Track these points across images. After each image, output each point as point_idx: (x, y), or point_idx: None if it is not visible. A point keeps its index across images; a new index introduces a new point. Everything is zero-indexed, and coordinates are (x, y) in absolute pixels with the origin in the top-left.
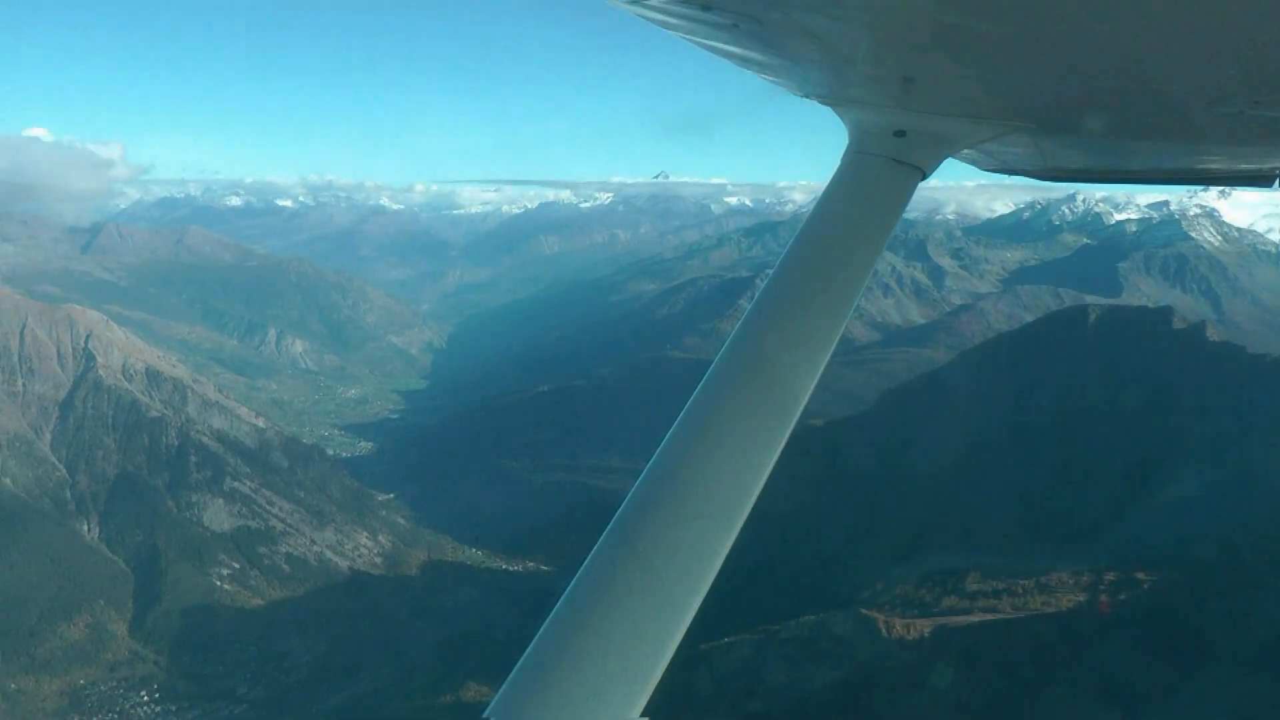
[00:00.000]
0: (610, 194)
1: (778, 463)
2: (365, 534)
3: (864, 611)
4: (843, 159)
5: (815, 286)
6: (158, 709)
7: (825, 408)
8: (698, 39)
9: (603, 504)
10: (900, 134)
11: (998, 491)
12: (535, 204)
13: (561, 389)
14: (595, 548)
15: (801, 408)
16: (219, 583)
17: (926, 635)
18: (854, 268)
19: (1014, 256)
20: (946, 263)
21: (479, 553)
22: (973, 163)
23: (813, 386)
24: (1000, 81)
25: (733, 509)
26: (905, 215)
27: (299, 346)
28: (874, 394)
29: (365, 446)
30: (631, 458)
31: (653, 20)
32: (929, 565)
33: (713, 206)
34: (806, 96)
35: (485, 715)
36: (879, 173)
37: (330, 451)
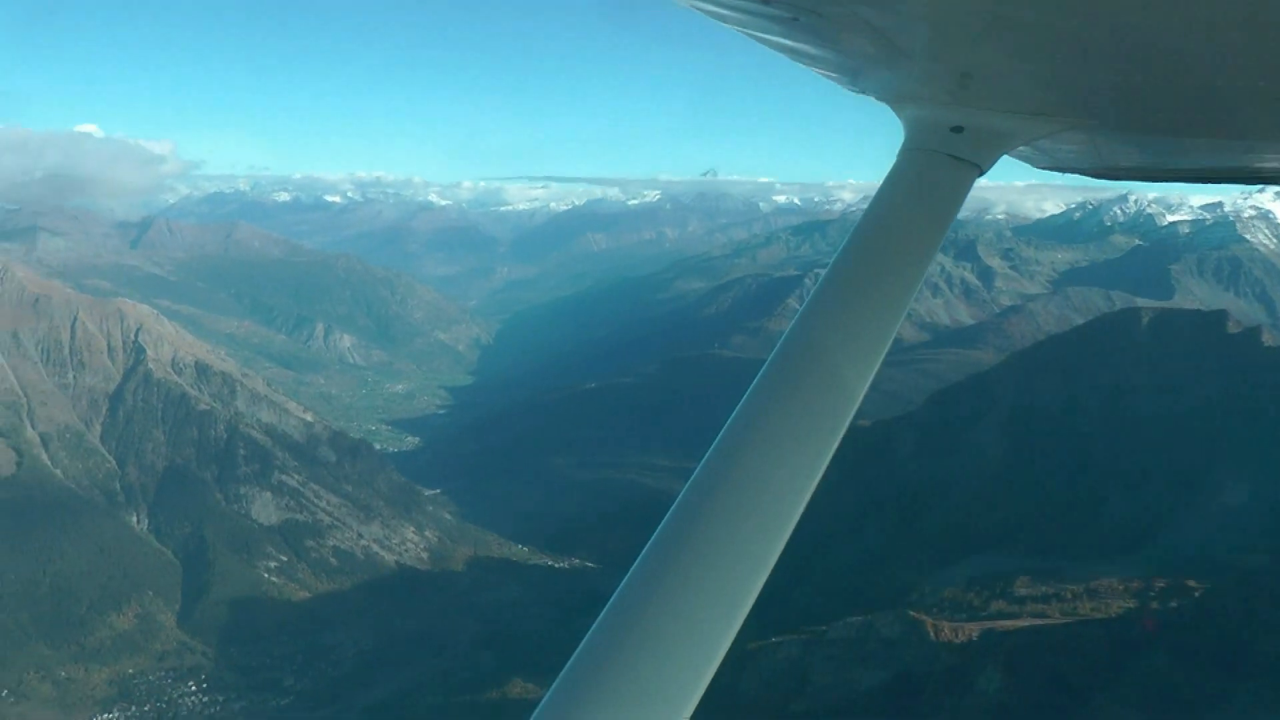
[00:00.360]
0: (658, 191)
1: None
2: (412, 529)
3: (911, 614)
4: (898, 156)
5: (871, 284)
6: (205, 699)
7: (872, 408)
8: (755, 33)
9: (648, 502)
10: (957, 130)
11: (1046, 495)
12: (582, 201)
13: (608, 386)
14: (645, 548)
15: (856, 407)
16: (266, 575)
17: (974, 639)
18: (910, 265)
19: (1064, 258)
20: (996, 263)
21: (524, 549)
22: (1026, 160)
23: (867, 385)
24: (1059, 76)
25: (786, 509)
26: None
27: (346, 342)
28: (922, 394)
29: (412, 441)
30: (677, 456)
31: (709, 13)
32: (976, 568)
33: (761, 205)
34: (862, 92)
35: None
36: (935, 169)
37: (377, 446)
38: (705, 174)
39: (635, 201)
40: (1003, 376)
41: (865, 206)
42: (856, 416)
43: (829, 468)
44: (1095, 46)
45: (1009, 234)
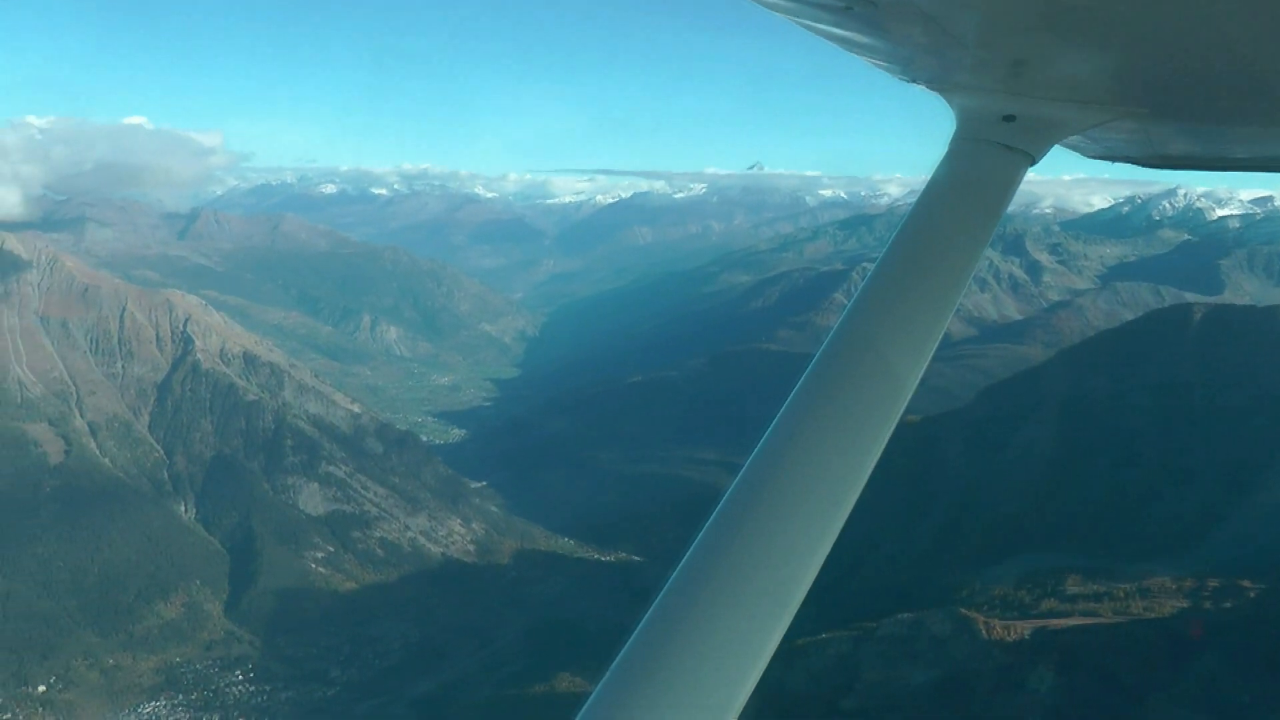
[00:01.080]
0: (704, 185)
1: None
2: (458, 521)
3: (962, 611)
4: (949, 146)
5: (922, 275)
6: (251, 689)
7: (920, 403)
8: (807, 22)
9: (694, 496)
10: (1009, 119)
11: (1096, 492)
12: (628, 194)
13: (654, 380)
14: (694, 543)
15: (907, 400)
16: (313, 565)
17: (1026, 638)
18: (962, 256)
19: (1112, 252)
20: (1044, 258)
21: (570, 542)
22: (1076, 149)
23: (919, 379)
24: (1113, 63)
25: (836, 504)
26: None
27: (393, 333)
28: (969, 390)
29: (457, 434)
30: (723, 450)
31: (760, 2)
32: (1027, 566)
33: (807, 198)
34: (913, 81)
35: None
36: (987, 159)
37: (423, 438)
38: (751, 167)
39: (681, 195)
40: (1052, 372)
41: (912, 201)
42: (905, 412)
43: (878, 463)
44: (1151, 32)
45: (1056, 228)
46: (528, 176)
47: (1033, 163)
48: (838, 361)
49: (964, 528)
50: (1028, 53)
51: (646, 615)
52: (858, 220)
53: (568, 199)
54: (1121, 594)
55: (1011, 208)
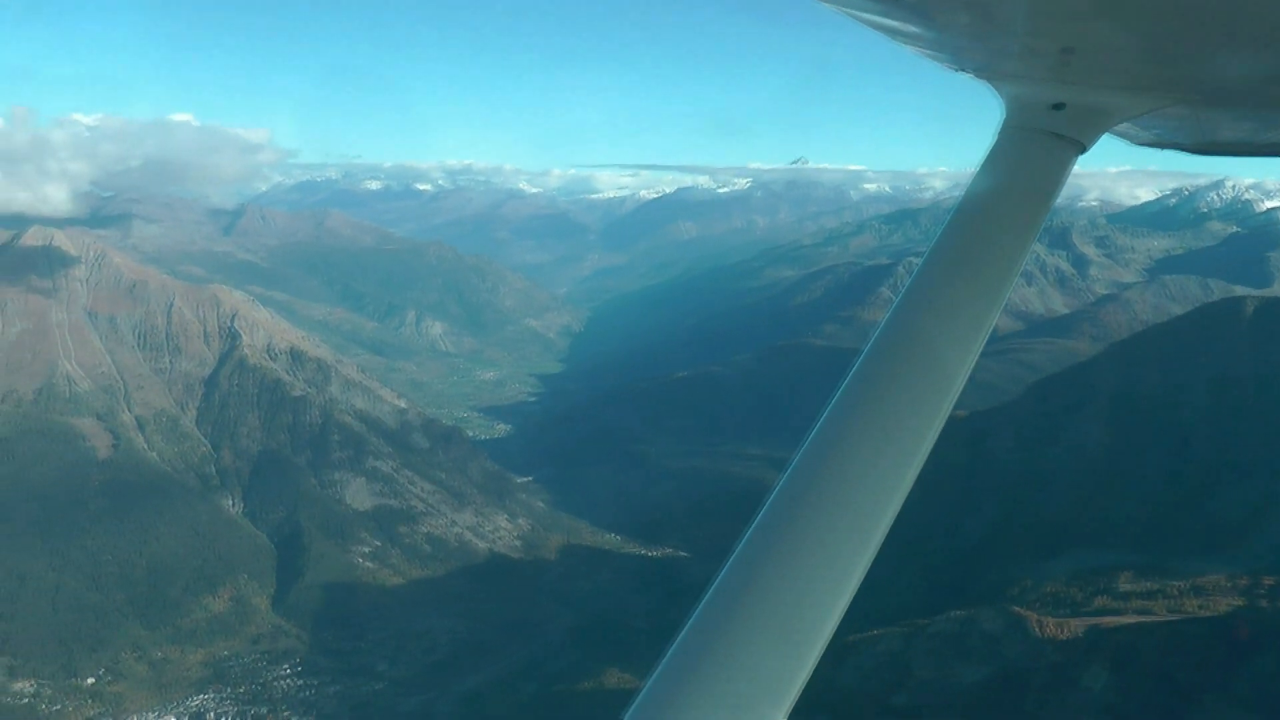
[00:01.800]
0: (748, 179)
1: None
2: (504, 516)
3: (1014, 609)
4: (998, 135)
5: (971, 267)
6: (299, 683)
7: (967, 398)
8: (853, 11)
9: (740, 492)
10: (1059, 107)
11: (1148, 488)
12: (672, 189)
13: (699, 375)
14: (743, 538)
15: (957, 393)
16: (360, 560)
17: (1079, 636)
18: (1012, 245)
19: (1159, 245)
20: (1090, 251)
21: (616, 538)
22: (1125, 136)
23: (969, 371)
24: (1166, 49)
25: (886, 499)
26: None
27: (437, 329)
28: (1016, 384)
29: (502, 429)
30: (769, 445)
31: None
32: (1078, 563)
33: (851, 193)
34: (961, 70)
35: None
36: (1036, 148)
37: (469, 434)
38: (795, 162)
39: (725, 189)
40: (1103, 367)
41: (957, 195)
42: (953, 407)
43: (927, 458)
44: (1204, 14)
45: (1103, 221)
46: (571, 172)
47: (1083, 151)
48: (887, 355)
49: (1015, 524)
50: (1078, 38)
51: (695, 610)
52: (902, 214)
53: (611, 194)
54: (1175, 592)
55: (1058, 200)
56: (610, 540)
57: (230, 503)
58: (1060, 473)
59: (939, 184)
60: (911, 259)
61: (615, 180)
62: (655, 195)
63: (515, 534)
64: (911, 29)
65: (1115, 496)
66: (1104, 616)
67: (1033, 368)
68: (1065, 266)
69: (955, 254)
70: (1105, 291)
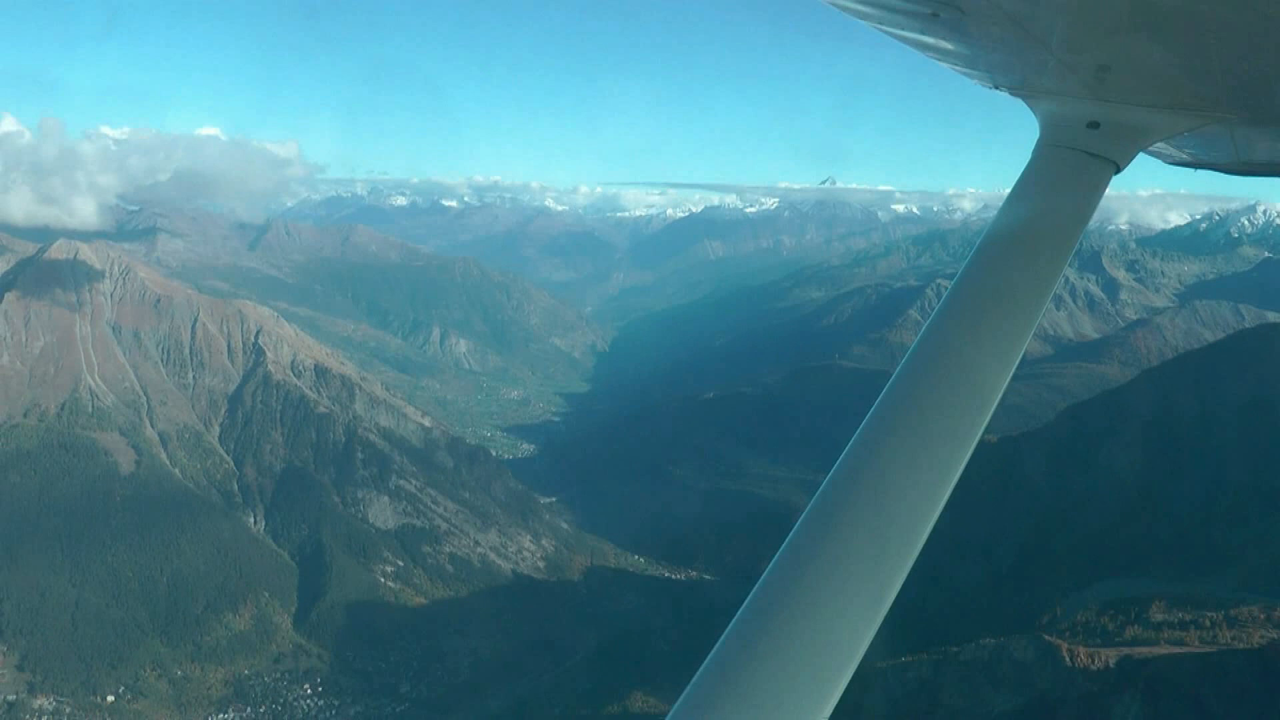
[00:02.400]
0: (776, 199)
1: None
2: (528, 536)
3: (1046, 637)
4: (1033, 153)
5: (1007, 284)
6: (320, 703)
7: (997, 422)
8: (892, 29)
9: (767, 514)
10: (1094, 125)
11: (1182, 516)
12: (700, 208)
13: (726, 395)
14: (774, 559)
15: (990, 415)
16: (383, 579)
17: (1111, 666)
18: (1046, 264)
19: (1191, 270)
20: (1121, 275)
21: (641, 559)
22: (1160, 156)
23: (1004, 389)
24: (1203, 67)
25: (917, 522)
26: None
27: (462, 346)
28: (1047, 409)
29: (527, 448)
30: (797, 468)
31: (845, 9)
32: (1110, 591)
33: (879, 214)
34: (997, 88)
35: None
36: (1071, 166)
37: (493, 452)
38: (824, 181)
39: (753, 209)
40: (1136, 392)
41: (987, 216)
42: (983, 431)
43: (958, 482)
44: (1242, 34)
45: (1133, 245)
46: (599, 189)
47: (1118, 170)
48: (920, 377)
49: (1046, 550)
50: (1115, 56)
51: (725, 632)
52: (931, 236)
53: (639, 212)
54: (1209, 622)
55: (1087, 224)
56: (635, 562)
57: (253, 520)
58: (1093, 499)
59: (968, 205)
60: (941, 281)
61: (643, 199)
62: (683, 214)
63: (540, 554)
64: (949, 46)
65: (1148, 524)
66: (1137, 646)
67: (1063, 392)
68: (1096, 290)
69: (989, 274)
70: (1136, 316)
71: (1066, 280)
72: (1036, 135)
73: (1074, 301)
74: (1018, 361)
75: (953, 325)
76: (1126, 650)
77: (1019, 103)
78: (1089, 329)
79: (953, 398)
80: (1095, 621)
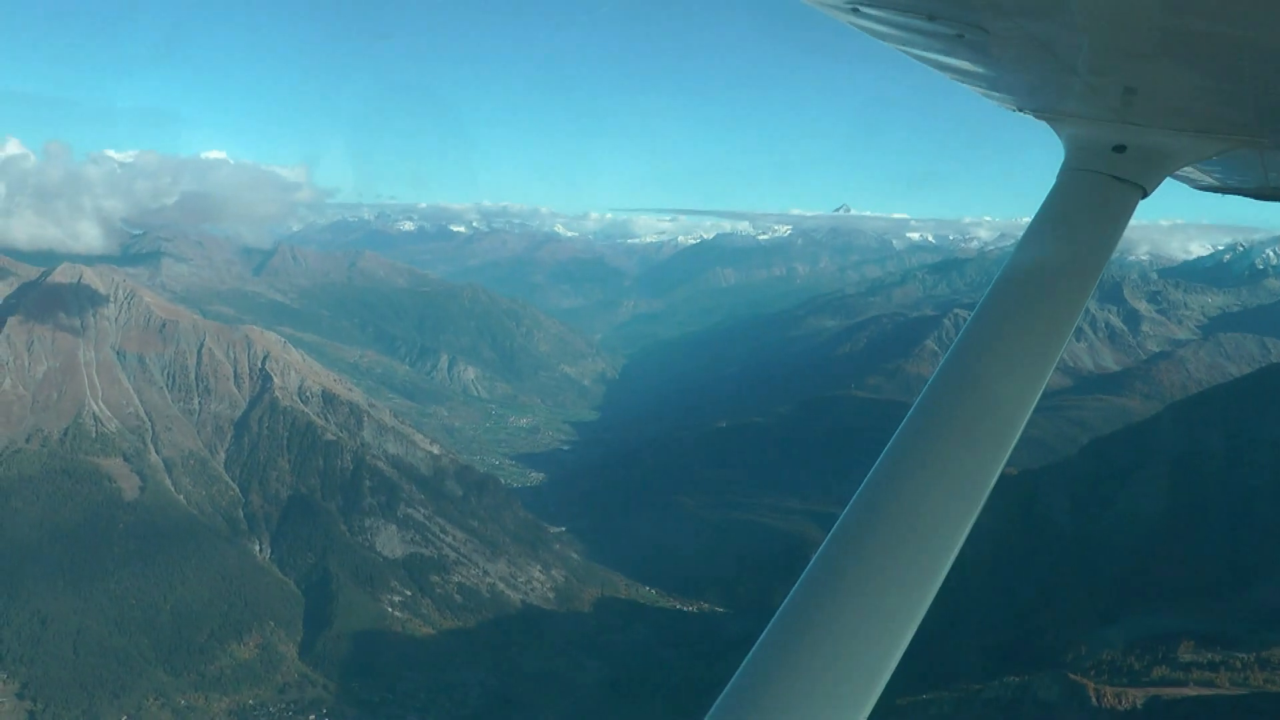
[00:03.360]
0: (789, 226)
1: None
2: (538, 567)
3: (1071, 676)
4: (1058, 177)
5: (1030, 312)
6: None
7: (1018, 455)
8: (915, 51)
9: (781, 546)
10: (1120, 149)
11: (1209, 553)
12: (711, 235)
13: (739, 425)
14: (793, 590)
15: (1014, 442)
16: (390, 609)
17: (1139, 707)
18: (1072, 290)
19: (1214, 302)
20: (1142, 307)
21: (652, 591)
22: (1186, 180)
23: (1024, 423)
24: (1232, 91)
25: (939, 552)
26: None
27: (471, 373)
28: (1066, 443)
29: (536, 477)
30: (810, 499)
31: (868, 30)
32: (1137, 629)
33: (894, 242)
34: (1021, 110)
35: None
36: (1097, 190)
37: (502, 481)
38: (838, 209)
39: (765, 236)
40: (1161, 426)
41: (1005, 245)
42: (1005, 464)
43: (979, 515)
44: (1272, 57)
45: (1155, 276)
46: (609, 215)
47: (1144, 195)
48: (942, 405)
49: (1070, 586)
50: (1142, 79)
51: (741, 666)
52: (948, 264)
53: (649, 239)
54: (1239, 664)
55: (1113, 250)
56: (646, 593)
57: (258, 548)
58: (1117, 534)
59: (985, 233)
60: (959, 311)
61: (654, 225)
62: (694, 241)
63: (549, 585)
64: (972, 68)
65: (1175, 561)
66: (1165, 687)
67: (1084, 425)
68: (1116, 322)
69: (1012, 303)
70: (1158, 349)
71: (1087, 311)
72: (1060, 159)
73: (1094, 333)
74: (1041, 392)
75: (975, 355)
76: (1154, 690)
77: (1042, 126)
78: (1110, 361)
79: (975, 429)
80: (1121, 660)
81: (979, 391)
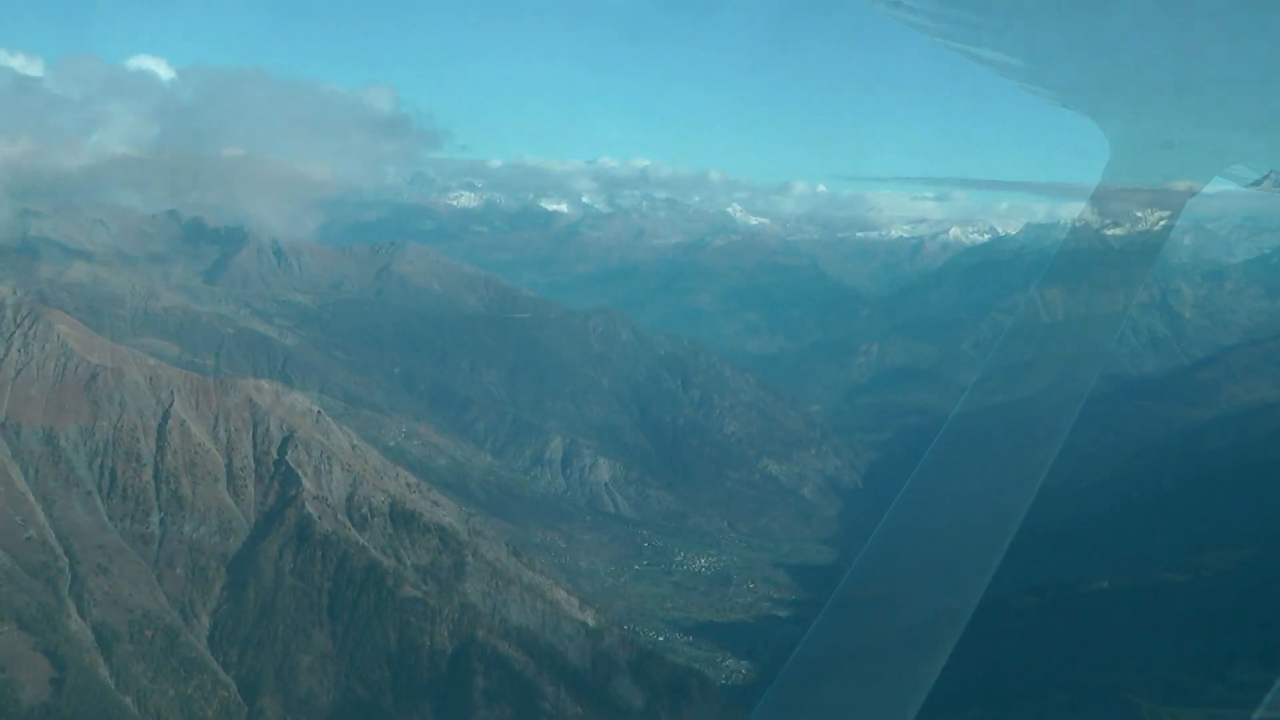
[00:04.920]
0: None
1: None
2: None
3: (1126, 696)
4: (1103, 176)
5: (1074, 317)
6: None
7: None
8: (960, 44)
9: None
10: (1169, 146)
11: (1269, 569)
12: (1017, 226)
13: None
14: (834, 595)
15: (1053, 458)
16: None
17: None
18: (1119, 287)
19: (1262, 306)
20: (1187, 311)
21: None
22: (1235, 177)
23: (1068, 430)
24: None
25: (987, 553)
26: None
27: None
28: (1109, 451)
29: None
30: None
31: (914, 24)
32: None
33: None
34: (1066, 106)
35: None
36: (1144, 189)
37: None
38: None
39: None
40: (1209, 434)
41: (1041, 244)
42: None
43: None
44: None
45: (1199, 279)
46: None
47: (1193, 194)
48: (981, 415)
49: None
50: (1192, 76)
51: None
52: (984, 265)
53: (898, 231)
54: None
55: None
56: None
57: None
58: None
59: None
60: (995, 315)
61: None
62: (982, 237)
63: None
64: (1020, 64)
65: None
66: (1223, 708)
67: (1128, 435)
68: (1160, 327)
69: (1055, 305)
70: (1204, 354)
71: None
72: (1108, 156)
73: (1136, 337)
74: (1084, 399)
75: (1025, 346)
76: (1212, 711)
77: (1088, 123)
78: (1153, 367)
79: (1015, 438)
80: (1175, 678)
81: (1019, 401)
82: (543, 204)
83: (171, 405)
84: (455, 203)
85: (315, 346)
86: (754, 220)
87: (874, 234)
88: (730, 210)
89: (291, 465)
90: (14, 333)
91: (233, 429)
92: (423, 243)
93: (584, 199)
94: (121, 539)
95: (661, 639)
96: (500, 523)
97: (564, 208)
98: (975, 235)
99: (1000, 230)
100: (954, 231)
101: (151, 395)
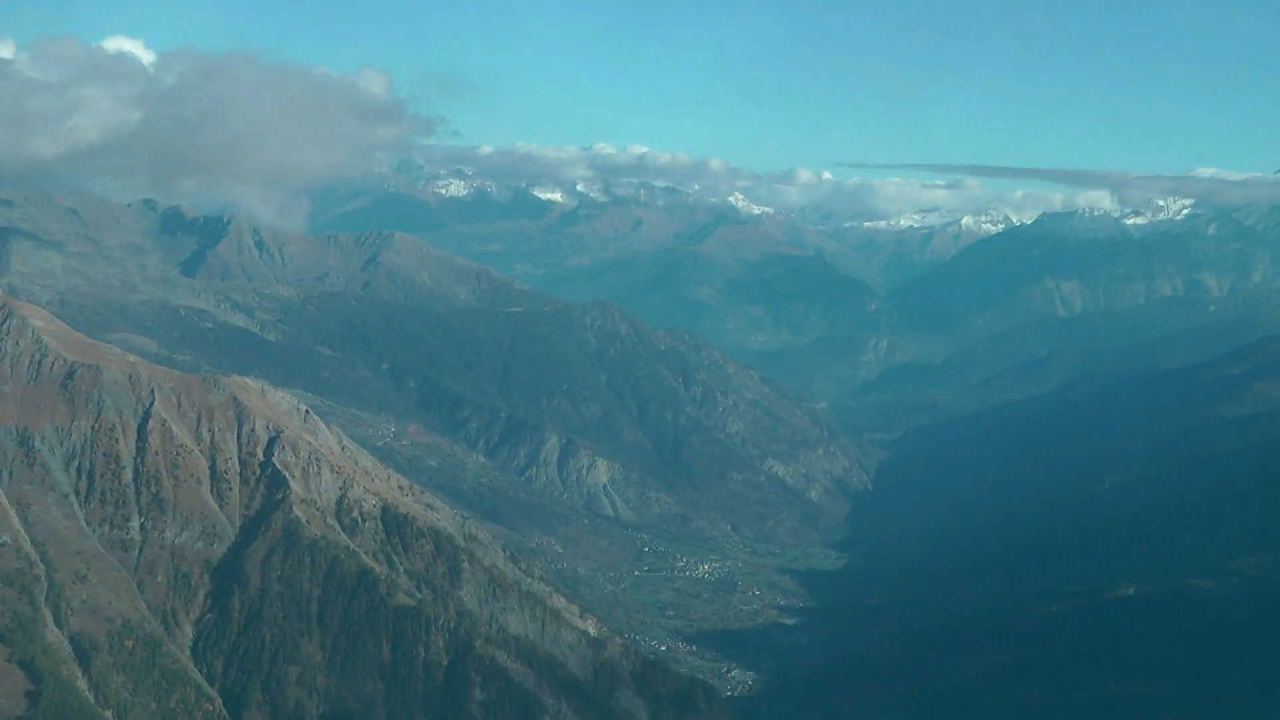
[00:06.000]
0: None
1: None
2: None
3: None
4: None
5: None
6: None
7: None
8: None
9: None
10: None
11: None
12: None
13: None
14: None
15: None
16: None
17: None
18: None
19: None
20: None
21: None
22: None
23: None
24: None
25: None
26: None
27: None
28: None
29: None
30: None
31: None
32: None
33: None
34: None
35: None
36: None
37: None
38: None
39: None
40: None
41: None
42: None
43: None
44: None
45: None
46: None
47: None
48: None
49: None
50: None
51: None
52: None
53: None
54: None
55: None
56: None
57: None
58: None
59: None
60: None
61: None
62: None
63: None
64: None
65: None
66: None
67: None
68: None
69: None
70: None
71: None
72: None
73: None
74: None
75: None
76: None
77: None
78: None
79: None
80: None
81: None
82: (536, 192)
83: (152, 404)
84: (444, 191)
85: (299, 341)
86: (756, 210)
87: (882, 224)
88: (732, 199)
89: (278, 467)
90: None
91: (216, 429)
92: (411, 233)
93: (579, 187)
94: (100, 545)
95: (664, 648)
96: (494, 526)
97: (558, 196)
98: (988, 225)
99: (1015, 220)
100: (966, 221)
101: (131, 393)
